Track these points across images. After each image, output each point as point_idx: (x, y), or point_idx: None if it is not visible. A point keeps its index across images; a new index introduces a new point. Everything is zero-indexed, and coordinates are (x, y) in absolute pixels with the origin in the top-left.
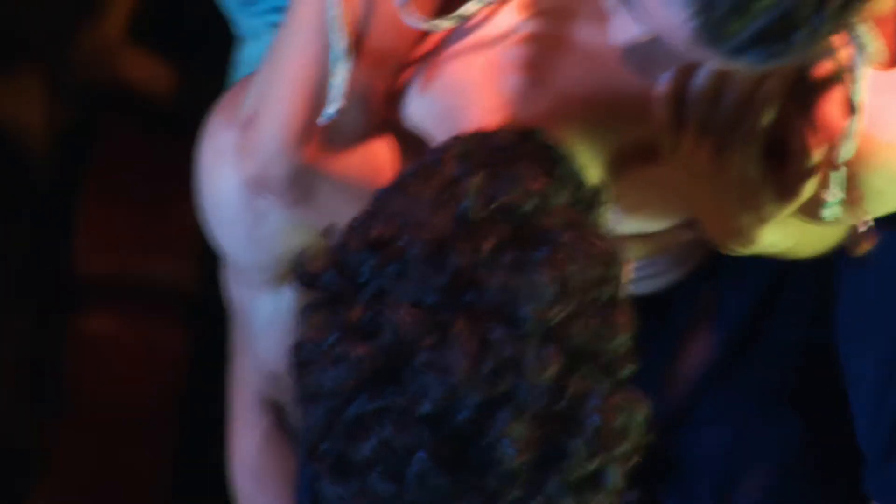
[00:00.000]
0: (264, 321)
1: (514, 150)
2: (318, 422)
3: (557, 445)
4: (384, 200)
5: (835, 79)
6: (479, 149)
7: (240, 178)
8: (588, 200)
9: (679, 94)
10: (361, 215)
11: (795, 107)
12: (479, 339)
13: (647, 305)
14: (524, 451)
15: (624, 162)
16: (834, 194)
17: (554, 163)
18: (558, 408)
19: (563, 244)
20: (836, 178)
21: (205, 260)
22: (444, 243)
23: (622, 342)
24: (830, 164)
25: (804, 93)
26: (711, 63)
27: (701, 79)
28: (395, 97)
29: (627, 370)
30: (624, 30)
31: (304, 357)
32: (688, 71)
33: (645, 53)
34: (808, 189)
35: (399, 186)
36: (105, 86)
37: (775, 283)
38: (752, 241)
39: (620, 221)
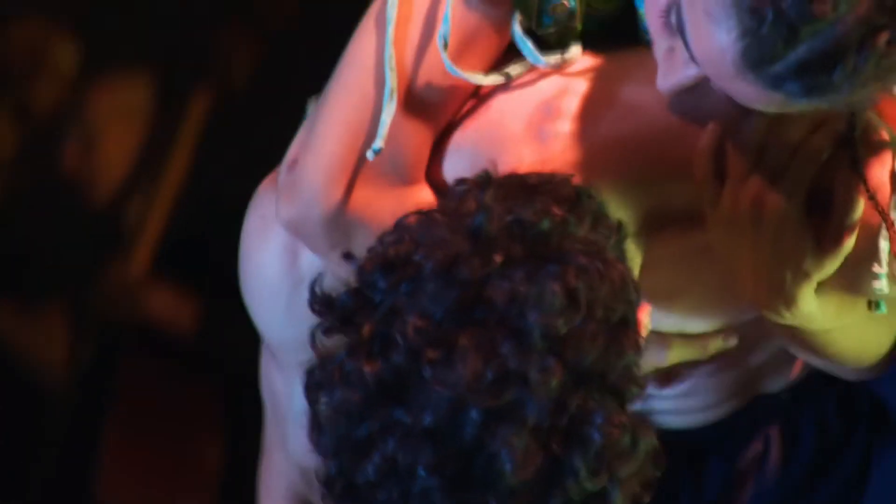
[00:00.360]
0: (299, 410)
1: (538, 187)
2: (328, 448)
3: (559, 462)
4: (404, 225)
5: (885, 145)
6: (503, 181)
7: (282, 243)
8: (608, 232)
9: (721, 147)
10: (380, 238)
11: (842, 164)
12: (484, 352)
13: (680, 456)
14: (524, 466)
15: (661, 224)
16: (882, 266)
17: (577, 198)
18: (560, 423)
19: (575, 262)
20: (885, 248)
21: (226, 495)
22: (457, 259)
23: (629, 364)
24: (876, 230)
25: (853, 153)
26: (753, 100)
27: (746, 131)
28: (438, 151)
29: (634, 392)
30: (669, 76)
31: (314, 381)
32: (730, 124)
33: (688, 105)
34: (849, 244)
35: (421, 213)
36: (127, 323)
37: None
38: (794, 301)
39: (659, 314)
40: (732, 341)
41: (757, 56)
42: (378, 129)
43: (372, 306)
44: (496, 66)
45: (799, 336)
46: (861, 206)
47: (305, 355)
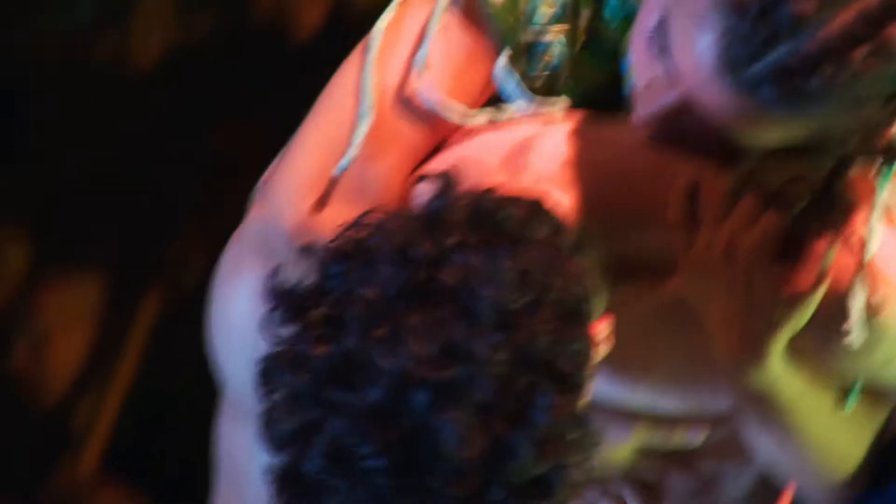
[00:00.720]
0: (260, 467)
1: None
2: (277, 440)
3: (503, 443)
4: (364, 217)
5: (859, 201)
6: (468, 191)
7: (252, 286)
8: (568, 241)
9: (697, 191)
10: (341, 230)
11: (817, 214)
12: (432, 328)
13: None
14: (469, 445)
15: (630, 272)
16: (855, 320)
17: (538, 206)
18: (506, 403)
19: (531, 247)
20: (857, 304)
21: None
22: (412, 242)
23: (580, 354)
24: (845, 287)
25: (828, 205)
26: (730, 109)
27: (724, 176)
28: (412, 181)
29: (582, 382)
30: (647, 105)
31: (265, 370)
32: (707, 169)
33: (664, 149)
34: (818, 294)
35: (382, 208)
36: None
37: None
38: (763, 356)
39: (628, 388)
40: (697, 438)
41: (737, 55)
42: (349, 151)
43: (325, 293)
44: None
45: (768, 414)
46: (832, 257)
47: None
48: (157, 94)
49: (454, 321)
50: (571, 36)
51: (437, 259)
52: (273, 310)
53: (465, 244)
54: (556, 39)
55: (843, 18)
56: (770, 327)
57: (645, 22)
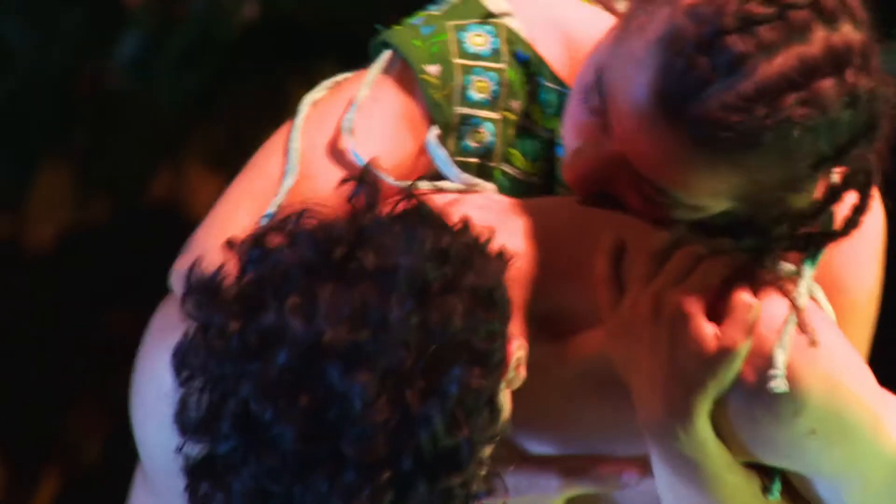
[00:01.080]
0: None
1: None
2: (190, 424)
3: (413, 410)
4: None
5: (782, 276)
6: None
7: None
8: (487, 246)
9: (622, 250)
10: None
11: (742, 279)
12: (346, 292)
13: None
14: (377, 409)
15: (552, 329)
16: (780, 366)
17: (464, 227)
18: (417, 370)
19: (452, 230)
20: (781, 357)
21: None
22: (332, 223)
23: (494, 333)
24: (775, 339)
25: (752, 273)
26: (665, 157)
27: (652, 237)
28: None
29: (496, 360)
30: (577, 163)
31: (181, 355)
32: (635, 230)
33: (590, 211)
34: (742, 349)
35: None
36: None
37: None
38: (689, 417)
39: (556, 446)
40: (633, 479)
41: (673, 92)
42: (276, 199)
43: (243, 274)
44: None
45: (693, 482)
46: (756, 314)
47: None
48: (53, 274)
49: (369, 290)
50: (503, 122)
51: (356, 236)
52: (188, 294)
53: (385, 225)
54: (488, 119)
55: (782, 62)
56: (696, 387)
57: (581, 81)
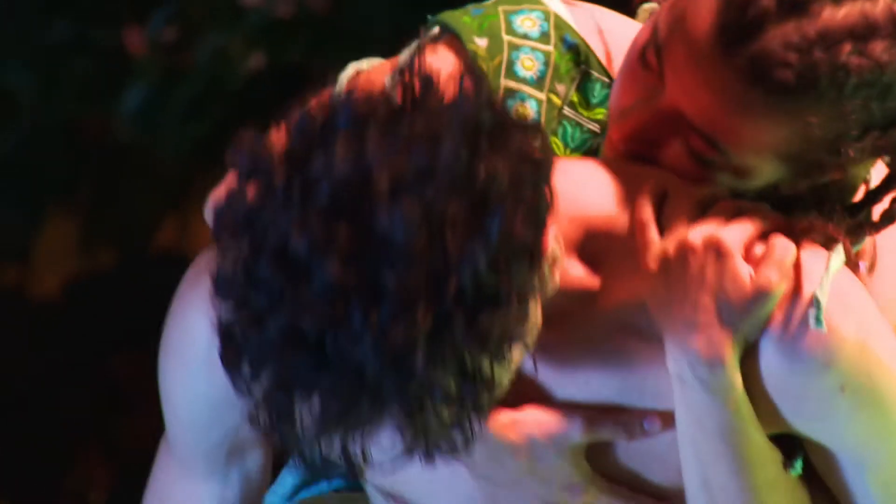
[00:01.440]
0: None
1: None
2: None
3: (455, 246)
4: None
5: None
6: None
7: (209, 324)
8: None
9: (665, 196)
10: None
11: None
12: (395, 136)
13: None
14: (419, 243)
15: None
16: (817, 308)
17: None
18: (462, 206)
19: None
20: (820, 297)
21: None
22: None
23: (538, 194)
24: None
25: (791, 232)
26: (715, 109)
27: (695, 190)
28: None
29: (538, 217)
30: (627, 126)
31: (219, 218)
32: (676, 182)
33: (639, 164)
34: (774, 298)
35: None
36: None
37: None
38: (717, 356)
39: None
40: (656, 426)
41: (734, 26)
42: None
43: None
44: None
45: (717, 429)
46: (792, 257)
47: (224, 450)
48: (59, 323)
49: (420, 132)
50: (548, 104)
51: (406, 97)
52: (236, 157)
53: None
54: (533, 97)
55: (847, 12)
56: (729, 324)
57: (638, 39)
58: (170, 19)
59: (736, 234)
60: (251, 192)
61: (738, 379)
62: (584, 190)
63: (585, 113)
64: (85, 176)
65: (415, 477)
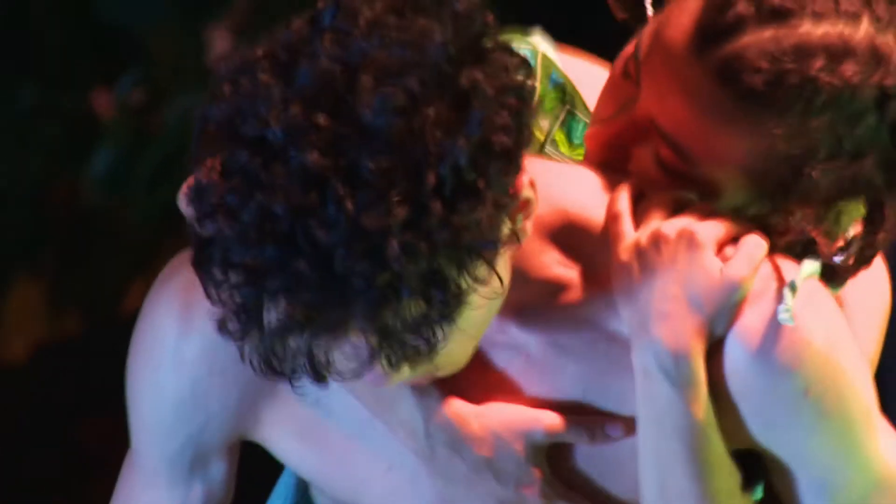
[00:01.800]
0: None
1: None
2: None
3: (435, 135)
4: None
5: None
6: None
7: (177, 323)
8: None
9: (641, 195)
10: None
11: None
12: (384, 25)
13: None
14: (400, 126)
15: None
16: (787, 303)
17: None
18: (446, 97)
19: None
20: (788, 295)
21: None
22: None
23: (523, 104)
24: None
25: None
26: (690, 116)
27: (670, 191)
28: None
29: (520, 124)
30: (603, 134)
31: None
32: (651, 187)
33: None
34: (742, 290)
35: None
36: None
37: None
38: (682, 348)
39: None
40: (618, 432)
41: (711, 27)
42: None
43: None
44: None
45: (679, 430)
46: (763, 252)
47: (188, 457)
48: (26, 387)
49: (407, 24)
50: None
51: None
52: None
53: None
54: None
55: (826, 31)
56: (695, 315)
57: (625, 52)
58: (137, 82)
59: (710, 229)
60: (230, 91)
61: (702, 373)
62: (567, 183)
63: (568, 152)
64: (52, 240)
65: (373, 484)
